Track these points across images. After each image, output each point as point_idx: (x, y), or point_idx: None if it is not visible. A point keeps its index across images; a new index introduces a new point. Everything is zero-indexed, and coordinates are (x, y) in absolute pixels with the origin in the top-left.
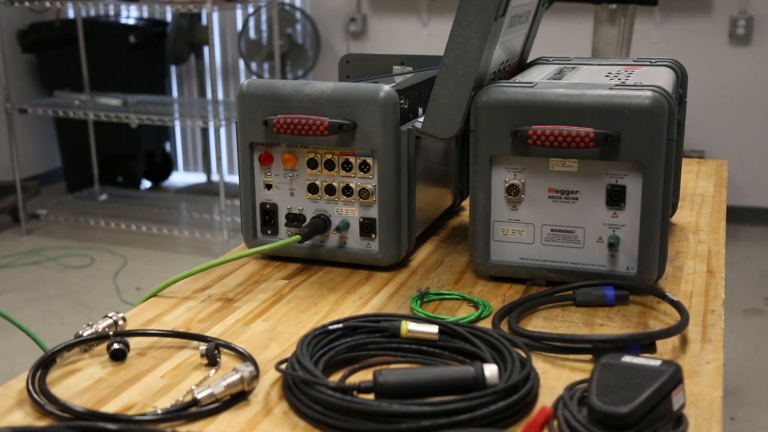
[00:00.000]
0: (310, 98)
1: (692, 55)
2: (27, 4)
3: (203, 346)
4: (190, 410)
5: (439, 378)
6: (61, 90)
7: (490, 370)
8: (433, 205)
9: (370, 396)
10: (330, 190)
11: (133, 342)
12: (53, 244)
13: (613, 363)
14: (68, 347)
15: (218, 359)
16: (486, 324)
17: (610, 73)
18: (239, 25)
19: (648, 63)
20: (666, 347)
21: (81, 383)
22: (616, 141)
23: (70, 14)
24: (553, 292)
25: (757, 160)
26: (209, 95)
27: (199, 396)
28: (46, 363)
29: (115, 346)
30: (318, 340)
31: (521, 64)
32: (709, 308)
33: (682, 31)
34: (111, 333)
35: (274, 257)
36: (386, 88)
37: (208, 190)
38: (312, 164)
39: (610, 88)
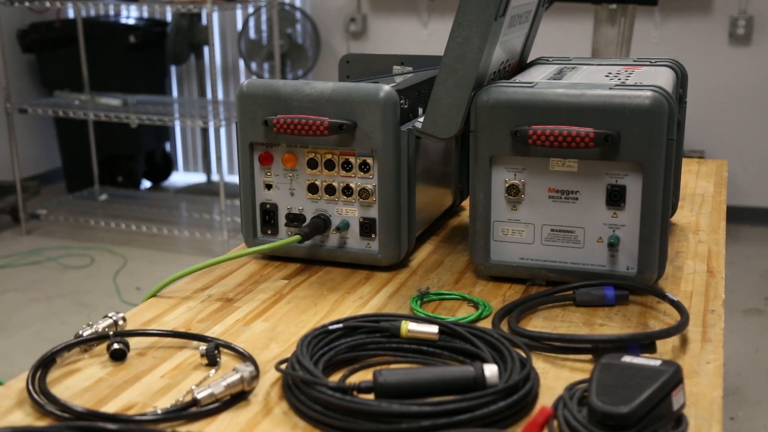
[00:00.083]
0: (310, 98)
1: (692, 55)
2: (27, 4)
3: (203, 346)
4: (190, 410)
5: (439, 378)
6: (61, 90)
7: (490, 370)
8: (433, 205)
9: (370, 396)
10: (330, 190)
11: (133, 342)
12: (53, 244)
13: (613, 363)
14: (68, 347)
15: (218, 359)
16: (486, 324)
17: (610, 73)
18: (239, 25)
19: (648, 63)
20: (666, 347)
21: (81, 383)
22: (616, 141)
23: (70, 14)
24: (553, 292)
25: (757, 160)
26: (209, 95)
27: (199, 396)
28: (46, 363)
29: (115, 346)
30: (318, 340)
31: (521, 64)
32: (709, 308)
33: (682, 31)
34: (111, 333)
35: (274, 257)
36: (386, 88)
37: (208, 190)
38: (312, 164)
39: (610, 88)
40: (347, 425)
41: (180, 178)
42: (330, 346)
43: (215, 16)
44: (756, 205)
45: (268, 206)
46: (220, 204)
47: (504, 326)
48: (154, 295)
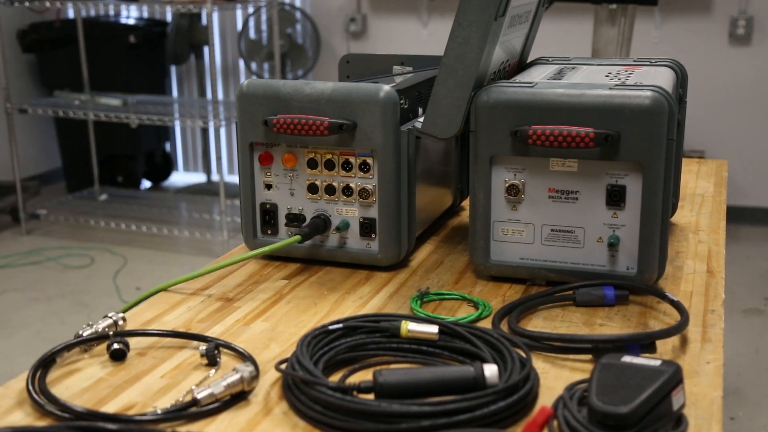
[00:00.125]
0: (310, 98)
1: (692, 55)
2: (27, 4)
3: (203, 346)
4: (190, 410)
5: (439, 378)
6: (61, 90)
7: (490, 370)
8: (433, 205)
9: (370, 396)
10: (330, 190)
11: (133, 342)
12: (53, 244)
13: (613, 363)
14: (68, 347)
15: (218, 359)
16: (486, 324)
17: (610, 73)
18: (239, 25)
19: (648, 63)
20: (666, 347)
21: (81, 383)
22: (616, 141)
23: (70, 14)
24: (553, 292)
25: (757, 160)
26: (209, 95)
27: (199, 396)
28: (46, 363)
29: (115, 346)
30: (318, 340)
31: (521, 64)
32: (709, 308)
33: (682, 31)
34: (111, 333)
35: (274, 257)
36: (386, 88)
37: (208, 190)
38: (312, 164)
39: (610, 88)
40: (347, 425)
41: (180, 178)
42: (330, 346)
43: (215, 16)
44: (756, 205)
45: (268, 206)
46: (220, 204)
47: (504, 326)
48: (145, 299)
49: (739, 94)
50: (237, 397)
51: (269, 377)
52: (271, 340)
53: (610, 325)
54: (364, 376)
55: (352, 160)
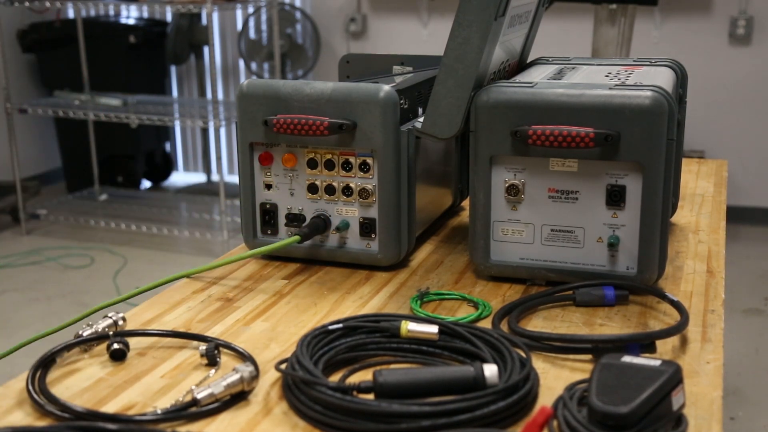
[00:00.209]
0: (310, 98)
1: (692, 55)
2: (27, 4)
3: (203, 346)
4: (190, 410)
5: (439, 378)
6: (61, 90)
7: (490, 370)
8: (433, 205)
9: (370, 396)
10: (330, 190)
11: (133, 342)
12: (53, 244)
13: (613, 363)
14: (68, 347)
15: (218, 359)
16: (486, 324)
17: (610, 73)
18: (239, 25)
19: (648, 63)
20: (666, 347)
21: (81, 383)
22: (616, 141)
23: (70, 14)
24: (553, 292)
25: (757, 160)
26: (209, 95)
27: (199, 396)
28: (46, 363)
29: (115, 346)
30: (318, 340)
31: (521, 64)
32: (709, 308)
33: (682, 31)
34: (111, 333)
35: (274, 257)
36: (386, 88)
37: (208, 190)
38: (312, 164)
39: (610, 88)
40: (347, 425)
41: (180, 178)
42: (330, 346)
43: (215, 16)
44: (756, 205)
45: (268, 206)
46: (220, 204)
47: (504, 326)
48: (143, 292)
49: (739, 94)
50: (237, 397)
51: (269, 377)
52: (271, 340)
53: (610, 325)
54: (364, 376)
55: (352, 160)
